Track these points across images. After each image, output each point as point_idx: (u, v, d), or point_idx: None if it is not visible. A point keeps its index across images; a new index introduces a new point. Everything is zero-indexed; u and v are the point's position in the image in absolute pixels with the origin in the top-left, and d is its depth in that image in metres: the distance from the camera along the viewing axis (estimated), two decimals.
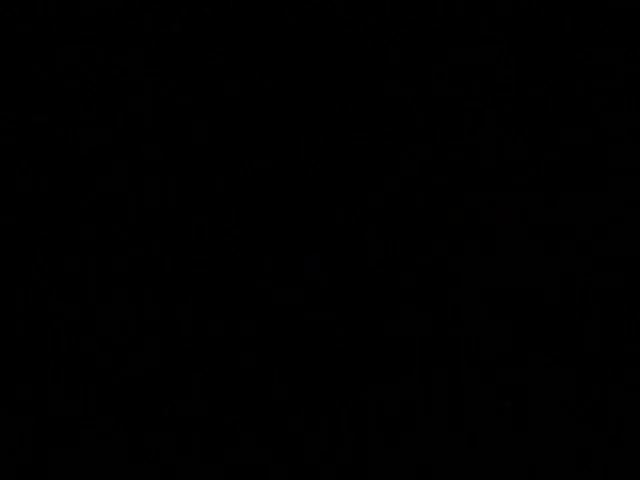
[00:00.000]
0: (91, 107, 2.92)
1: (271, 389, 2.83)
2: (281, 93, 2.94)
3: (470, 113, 2.91)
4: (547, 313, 2.85)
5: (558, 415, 2.76)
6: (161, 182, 2.93)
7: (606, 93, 2.89)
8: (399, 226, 2.92)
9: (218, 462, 2.77)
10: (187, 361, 2.83)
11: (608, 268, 2.86)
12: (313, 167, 2.93)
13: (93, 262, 2.90)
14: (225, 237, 2.93)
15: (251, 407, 2.82)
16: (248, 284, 2.90)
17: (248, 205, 2.94)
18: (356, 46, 2.94)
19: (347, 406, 2.81)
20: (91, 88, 2.92)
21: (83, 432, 2.78)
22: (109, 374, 2.84)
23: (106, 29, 2.92)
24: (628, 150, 2.88)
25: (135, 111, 2.93)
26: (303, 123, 2.93)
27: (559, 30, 2.92)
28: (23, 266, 2.91)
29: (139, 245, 2.90)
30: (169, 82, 2.93)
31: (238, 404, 2.83)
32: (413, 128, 2.92)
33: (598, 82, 2.90)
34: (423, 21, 2.94)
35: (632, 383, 2.78)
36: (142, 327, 2.88)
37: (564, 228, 2.88)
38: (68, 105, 2.92)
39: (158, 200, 2.92)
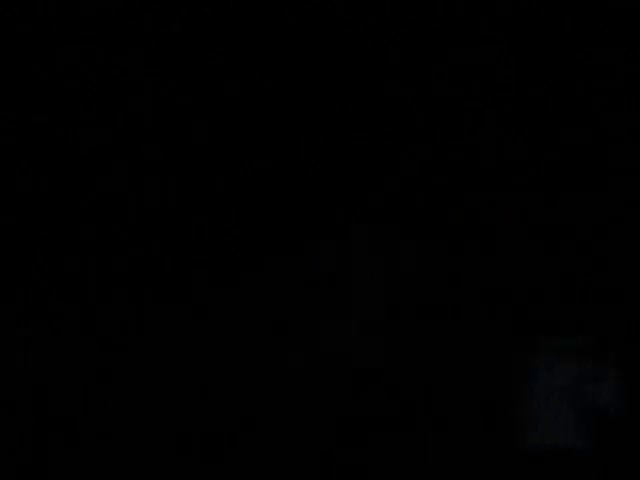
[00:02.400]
0: (91, 107, 2.92)
1: (271, 389, 2.83)
2: (281, 93, 2.93)
3: (470, 113, 2.91)
4: (547, 313, 2.85)
5: (558, 414, 2.76)
6: (161, 182, 2.93)
7: (606, 93, 2.89)
8: (399, 226, 2.92)
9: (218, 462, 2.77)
10: (186, 361, 2.83)
11: (608, 268, 2.86)
12: (313, 167, 2.92)
13: (93, 262, 2.90)
14: (225, 237, 2.93)
15: (251, 407, 2.82)
16: (248, 284, 2.90)
17: (248, 205, 2.93)
18: (356, 46, 2.94)
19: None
20: (91, 88, 2.92)
21: (83, 432, 2.78)
22: (109, 373, 2.84)
23: (106, 29, 2.92)
24: (628, 150, 2.88)
25: (135, 111, 2.93)
26: (303, 123, 2.93)
27: (559, 30, 2.92)
28: (23, 266, 2.91)
29: (139, 245, 2.90)
30: (169, 82, 2.93)
31: (238, 404, 2.83)
32: (413, 128, 2.92)
33: (598, 82, 2.90)
34: (423, 21, 2.94)
35: (632, 383, 2.78)
36: (142, 327, 2.88)
37: (564, 228, 2.87)
38: (68, 105, 2.92)
39: (158, 200, 2.92)
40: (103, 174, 2.91)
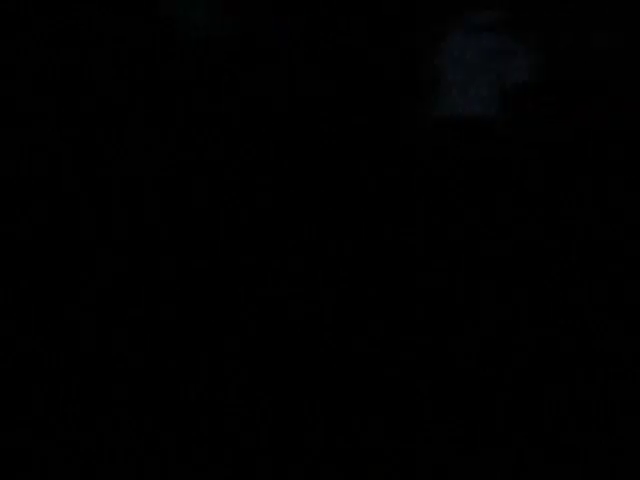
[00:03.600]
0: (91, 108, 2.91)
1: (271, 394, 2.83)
2: (282, 95, 2.93)
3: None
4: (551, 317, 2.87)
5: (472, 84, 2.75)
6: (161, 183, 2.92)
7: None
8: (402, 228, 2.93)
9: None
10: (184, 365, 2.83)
11: (609, 270, 2.87)
12: (315, 166, 2.92)
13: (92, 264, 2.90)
14: (229, 239, 2.93)
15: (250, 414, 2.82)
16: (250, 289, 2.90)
17: (251, 207, 2.93)
18: (357, 46, 2.94)
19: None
20: (92, 90, 2.92)
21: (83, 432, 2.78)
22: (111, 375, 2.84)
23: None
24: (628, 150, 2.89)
25: (134, 111, 2.92)
26: (304, 124, 2.93)
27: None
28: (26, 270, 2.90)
29: (140, 247, 2.90)
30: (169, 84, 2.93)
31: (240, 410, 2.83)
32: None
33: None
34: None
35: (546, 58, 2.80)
36: (141, 329, 2.88)
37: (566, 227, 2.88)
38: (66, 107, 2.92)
39: (158, 202, 2.92)
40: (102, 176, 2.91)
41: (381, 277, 3.00)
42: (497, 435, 2.79)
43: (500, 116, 3.29)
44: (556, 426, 2.77)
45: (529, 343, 2.90)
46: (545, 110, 3.35)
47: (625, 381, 2.81)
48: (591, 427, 2.76)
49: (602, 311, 2.96)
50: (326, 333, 2.92)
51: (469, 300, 3.00)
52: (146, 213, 2.85)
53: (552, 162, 3.29)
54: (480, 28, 3.35)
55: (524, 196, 3.30)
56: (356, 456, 2.81)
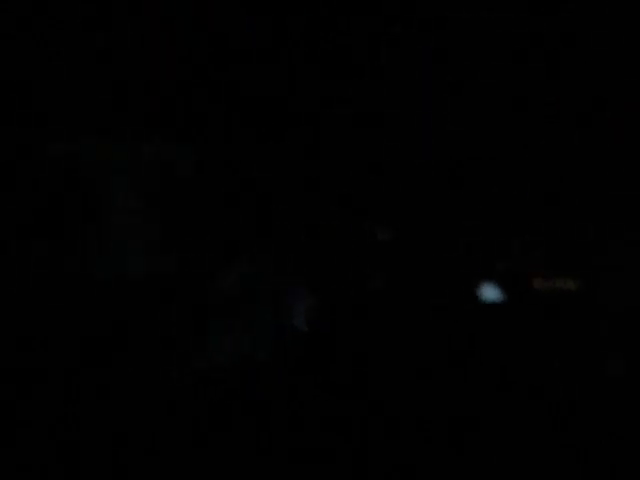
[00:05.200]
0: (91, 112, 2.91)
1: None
2: (283, 95, 2.94)
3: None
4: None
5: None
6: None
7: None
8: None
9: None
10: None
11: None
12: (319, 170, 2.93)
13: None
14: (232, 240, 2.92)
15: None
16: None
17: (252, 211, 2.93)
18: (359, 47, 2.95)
19: None
20: (91, 91, 2.91)
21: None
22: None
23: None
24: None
25: (135, 110, 2.92)
26: (307, 125, 2.94)
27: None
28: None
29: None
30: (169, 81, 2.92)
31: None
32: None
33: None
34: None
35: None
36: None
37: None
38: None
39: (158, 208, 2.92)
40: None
41: None
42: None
43: (273, 357, 3.27)
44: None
45: None
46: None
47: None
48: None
49: None
50: None
51: None
52: None
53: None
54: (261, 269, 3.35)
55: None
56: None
